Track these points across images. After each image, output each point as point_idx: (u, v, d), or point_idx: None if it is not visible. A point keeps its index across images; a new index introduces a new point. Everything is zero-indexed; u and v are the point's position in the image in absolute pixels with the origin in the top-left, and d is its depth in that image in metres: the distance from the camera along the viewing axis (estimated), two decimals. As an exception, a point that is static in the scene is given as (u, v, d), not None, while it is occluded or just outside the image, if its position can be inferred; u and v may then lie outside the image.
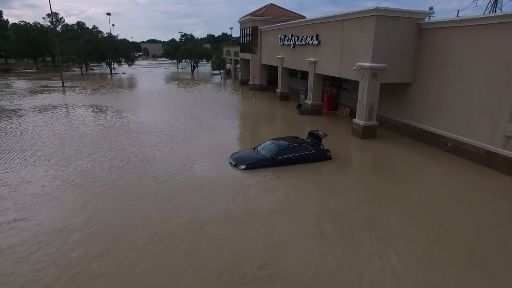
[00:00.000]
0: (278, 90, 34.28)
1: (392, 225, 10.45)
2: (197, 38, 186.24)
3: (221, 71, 59.24)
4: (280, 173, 14.40)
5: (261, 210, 11.32)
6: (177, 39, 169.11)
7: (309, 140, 16.77)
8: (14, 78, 54.73)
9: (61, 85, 43.46)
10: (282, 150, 15.21)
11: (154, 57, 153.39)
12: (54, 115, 26.00)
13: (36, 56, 78.49)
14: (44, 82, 48.47)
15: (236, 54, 52.59)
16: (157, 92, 39.57)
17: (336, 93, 28.85)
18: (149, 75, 63.17)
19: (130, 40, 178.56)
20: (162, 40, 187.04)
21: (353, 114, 25.86)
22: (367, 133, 19.76)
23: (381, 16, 17.91)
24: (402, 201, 12.26)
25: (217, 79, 56.87)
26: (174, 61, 74.53)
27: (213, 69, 58.00)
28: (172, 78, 57.88)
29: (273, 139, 16.39)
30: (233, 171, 14.72)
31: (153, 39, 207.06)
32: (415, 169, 15.50)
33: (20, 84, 46.87)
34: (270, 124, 25.31)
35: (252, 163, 14.95)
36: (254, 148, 16.35)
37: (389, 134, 21.02)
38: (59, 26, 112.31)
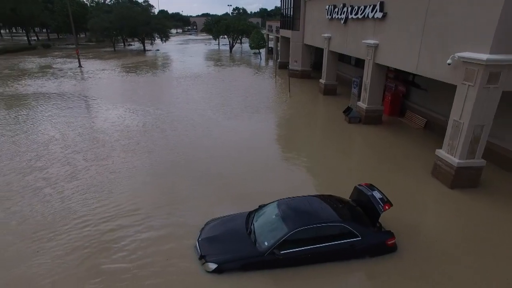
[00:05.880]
0: (322, 81, 25.70)
1: None
2: (251, 12, 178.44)
3: (259, 50, 51.01)
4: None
5: None
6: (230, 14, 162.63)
7: (355, 204, 8.84)
8: (38, 55, 51.62)
9: (78, 65, 38.83)
10: (296, 234, 7.56)
11: (202, 31, 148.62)
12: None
13: (76, 31, 76.27)
14: (60, 61, 44.60)
15: (278, 30, 43.95)
16: (177, 77, 33.06)
17: (405, 91, 19.75)
18: (183, 53, 57.07)
19: (183, 14, 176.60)
20: (215, 14, 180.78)
21: (430, 127, 17.00)
22: (462, 178, 11.13)
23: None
24: None
25: (258, 59, 48.69)
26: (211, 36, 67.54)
27: (252, 47, 49.88)
28: (208, 57, 51.01)
29: (285, 200, 8.68)
30: (191, 275, 7.49)
31: (207, 13, 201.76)
32: None
33: (31, 63, 43.07)
34: (301, 140, 17.07)
35: (230, 260, 7.56)
36: (250, 215, 8.87)
37: (501, 176, 12.11)
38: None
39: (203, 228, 8.74)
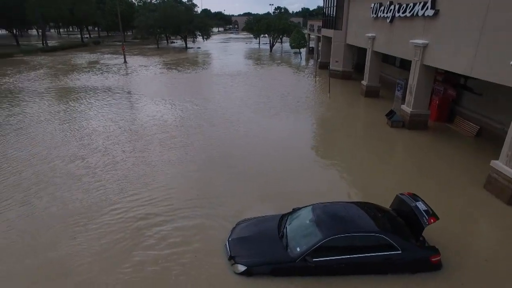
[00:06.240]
0: (364, 82, 24.66)
1: None
2: (292, 11, 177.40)
3: (300, 50, 50.25)
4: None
5: None
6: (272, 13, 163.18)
7: (396, 214, 8.18)
8: (88, 52, 54.60)
9: (123, 61, 40.64)
10: (330, 242, 7.11)
11: (243, 30, 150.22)
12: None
13: (124, 29, 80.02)
14: (107, 56, 46.99)
15: (319, 29, 43.01)
16: (217, 74, 33.44)
17: (455, 95, 18.31)
18: (224, 51, 57.81)
19: (225, 13, 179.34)
20: (257, 14, 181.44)
21: (483, 135, 15.61)
22: (521, 194, 9.99)
23: None
24: None
25: (298, 59, 47.98)
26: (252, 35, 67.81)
27: (292, 47, 49.32)
28: (248, 56, 51.15)
29: (321, 205, 8.21)
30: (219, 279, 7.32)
31: (248, 12, 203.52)
32: None
33: (82, 58, 45.63)
34: (339, 141, 16.47)
35: (260, 263, 7.28)
36: (283, 217, 8.52)
37: None
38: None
39: (234, 228, 8.53)
